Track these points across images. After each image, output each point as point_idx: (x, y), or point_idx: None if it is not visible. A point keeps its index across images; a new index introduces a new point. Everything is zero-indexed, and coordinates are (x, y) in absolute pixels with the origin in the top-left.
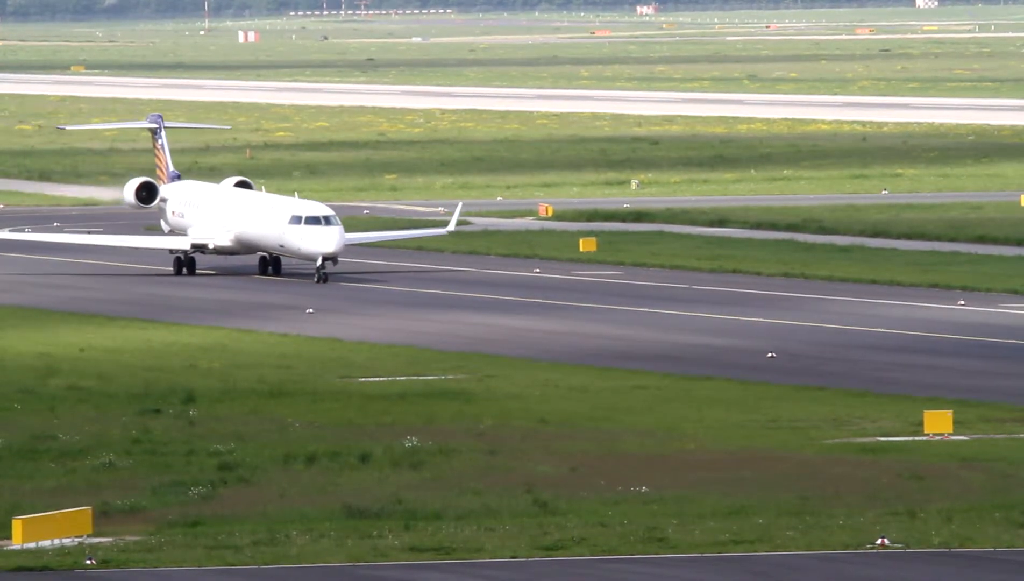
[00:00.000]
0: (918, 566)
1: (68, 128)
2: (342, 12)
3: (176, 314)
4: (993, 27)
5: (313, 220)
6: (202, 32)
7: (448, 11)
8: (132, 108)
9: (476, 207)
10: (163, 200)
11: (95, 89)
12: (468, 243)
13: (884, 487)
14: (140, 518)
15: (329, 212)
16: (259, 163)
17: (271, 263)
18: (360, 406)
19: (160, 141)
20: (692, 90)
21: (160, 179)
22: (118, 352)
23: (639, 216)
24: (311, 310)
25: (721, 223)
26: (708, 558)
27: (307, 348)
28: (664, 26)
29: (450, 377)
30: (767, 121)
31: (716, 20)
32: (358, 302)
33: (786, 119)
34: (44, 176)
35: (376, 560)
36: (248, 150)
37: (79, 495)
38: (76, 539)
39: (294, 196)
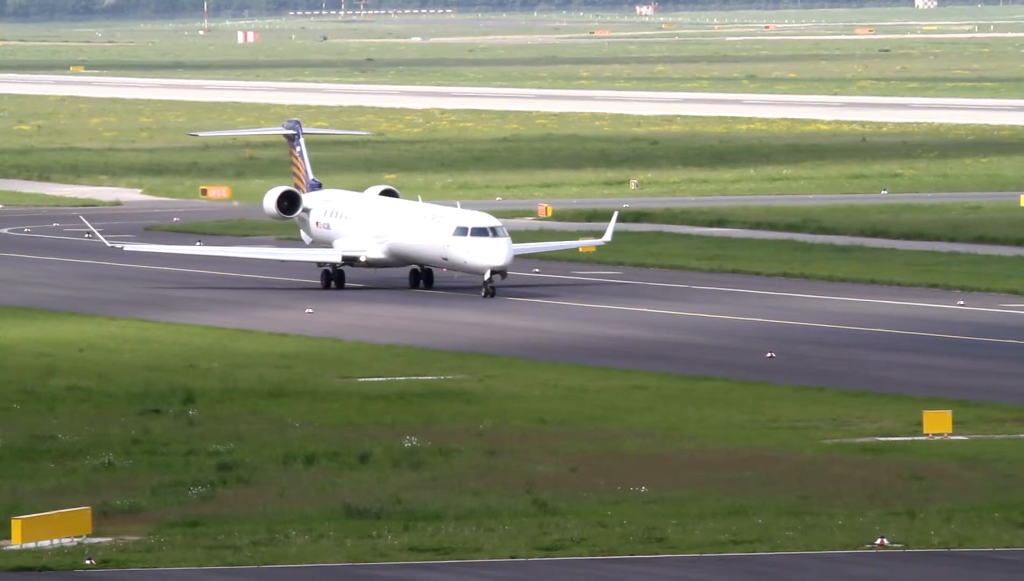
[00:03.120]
0: (917, 566)
1: (200, 134)
2: (341, 12)
3: (176, 313)
4: (992, 27)
5: (480, 231)
6: (201, 32)
7: (447, 11)
8: (132, 108)
9: (476, 207)
10: (305, 210)
11: (95, 89)
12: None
13: (884, 487)
14: (139, 518)
15: (496, 222)
16: (258, 163)
17: (423, 276)
18: (359, 406)
19: (299, 148)
20: (691, 90)
21: (299, 188)
22: (118, 352)
23: (638, 216)
24: (310, 310)
25: (720, 223)
26: (708, 558)
27: (306, 348)
28: (663, 26)
29: (449, 377)
30: (766, 121)
31: (715, 20)
32: (357, 302)
33: (785, 119)
34: (43, 176)
35: (375, 560)
36: (247, 150)
37: (78, 495)
38: (75, 539)
39: (456, 205)
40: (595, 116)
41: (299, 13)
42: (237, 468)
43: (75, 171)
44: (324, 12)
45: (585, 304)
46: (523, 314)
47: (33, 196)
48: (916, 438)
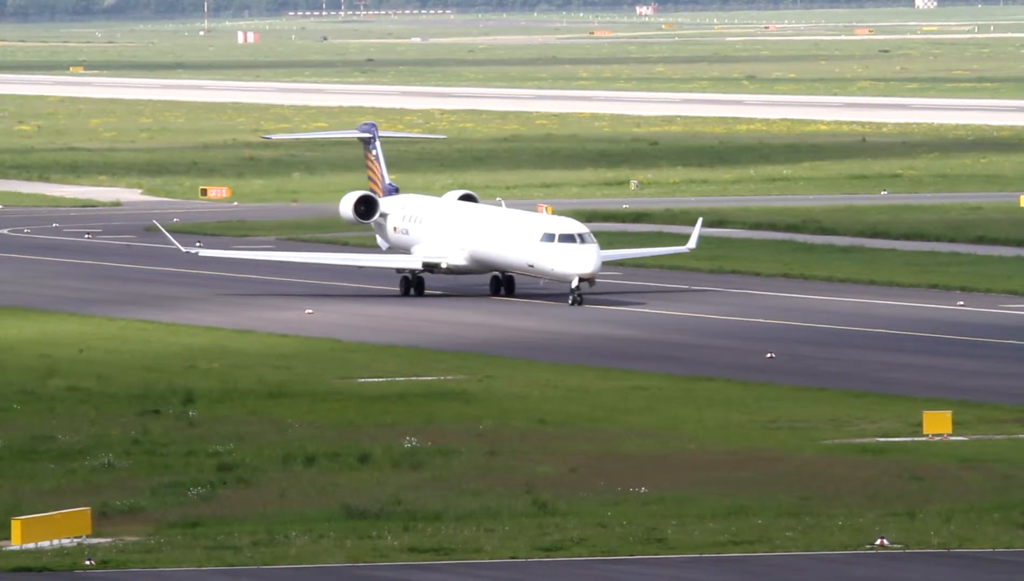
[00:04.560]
0: (917, 567)
1: (274, 137)
2: (341, 12)
3: (176, 314)
4: (992, 28)
5: (568, 238)
6: (201, 32)
7: (447, 11)
8: (132, 108)
9: None
10: (383, 215)
11: (94, 90)
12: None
13: (883, 488)
14: (139, 519)
15: (584, 229)
16: (258, 164)
17: (504, 283)
18: (359, 407)
19: (374, 152)
20: (691, 90)
21: (375, 192)
22: (117, 353)
23: (638, 217)
24: (310, 310)
25: (720, 223)
26: (708, 559)
27: (306, 349)
28: (663, 26)
29: (449, 377)
30: (766, 121)
31: (715, 20)
32: (357, 302)
33: (785, 119)
34: (43, 176)
35: (375, 560)
36: (247, 150)
37: (78, 496)
38: (75, 540)
39: (543, 211)
40: (595, 116)
41: (299, 13)
42: (237, 469)
43: (75, 171)
44: (324, 12)
45: (585, 304)
46: (523, 314)
47: (33, 196)
48: (916, 439)
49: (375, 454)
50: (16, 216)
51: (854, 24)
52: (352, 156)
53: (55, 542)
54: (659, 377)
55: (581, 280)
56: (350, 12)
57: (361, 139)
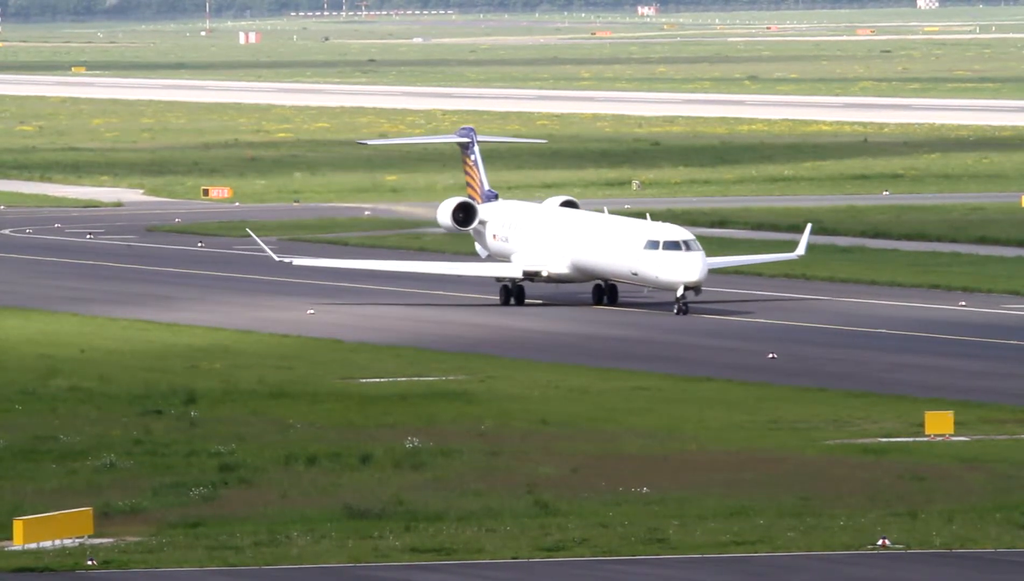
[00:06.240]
0: (919, 567)
1: (369, 142)
2: (343, 13)
3: (177, 314)
4: (994, 28)
5: (672, 245)
6: (203, 33)
7: (449, 12)
8: (133, 109)
9: None
10: (482, 222)
11: (96, 90)
12: (470, 245)
13: (885, 488)
14: (141, 519)
15: (689, 236)
16: (260, 164)
17: (607, 292)
18: (361, 407)
19: (473, 157)
20: (693, 91)
21: (473, 199)
22: (119, 353)
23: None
24: (311, 311)
25: (722, 224)
26: (709, 559)
27: (308, 349)
28: (665, 27)
29: (451, 378)
30: (768, 122)
31: (717, 21)
32: (358, 303)
33: (787, 120)
34: (45, 177)
35: (377, 561)
36: (249, 151)
37: (80, 496)
38: (77, 540)
39: (646, 217)
40: (596, 117)
41: (301, 14)
42: (238, 469)
43: (77, 172)
44: (326, 13)
45: (586, 305)
46: (524, 315)
47: (35, 197)
48: (918, 439)
49: (376, 454)
50: (18, 216)
51: (856, 24)
52: (352, 156)
53: (57, 542)
54: (660, 377)
55: (686, 288)
56: (352, 12)
57: (459, 144)
